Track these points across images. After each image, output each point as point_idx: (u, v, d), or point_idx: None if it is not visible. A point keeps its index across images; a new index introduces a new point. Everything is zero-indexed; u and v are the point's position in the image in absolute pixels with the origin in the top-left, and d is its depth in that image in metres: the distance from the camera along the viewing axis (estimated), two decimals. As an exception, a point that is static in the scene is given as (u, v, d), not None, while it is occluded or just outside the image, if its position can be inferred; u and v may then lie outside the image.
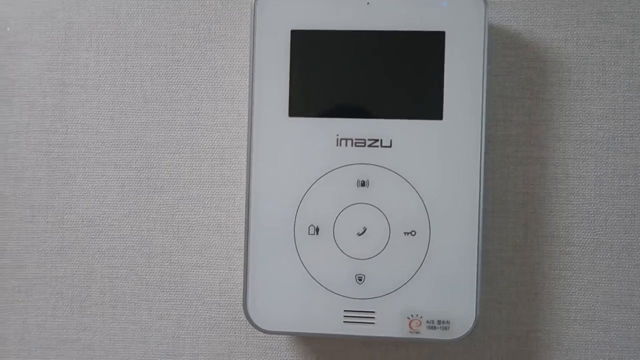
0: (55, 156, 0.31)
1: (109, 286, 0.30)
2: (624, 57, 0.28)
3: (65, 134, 0.31)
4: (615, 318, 0.28)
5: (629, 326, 0.28)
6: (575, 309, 0.28)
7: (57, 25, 0.31)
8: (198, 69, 0.30)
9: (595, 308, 0.28)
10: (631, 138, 0.28)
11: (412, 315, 0.27)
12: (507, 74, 0.29)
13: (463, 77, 0.27)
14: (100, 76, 0.31)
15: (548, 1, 0.29)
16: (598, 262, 0.28)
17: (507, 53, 0.29)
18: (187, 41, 0.30)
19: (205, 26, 0.30)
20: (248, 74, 0.28)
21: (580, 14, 0.28)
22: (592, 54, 0.28)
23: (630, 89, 0.28)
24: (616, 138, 0.28)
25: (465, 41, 0.27)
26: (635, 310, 0.28)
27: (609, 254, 0.28)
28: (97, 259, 0.30)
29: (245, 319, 0.28)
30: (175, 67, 0.30)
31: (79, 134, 0.31)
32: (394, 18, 0.27)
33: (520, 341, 0.29)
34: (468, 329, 0.26)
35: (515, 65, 0.29)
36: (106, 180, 0.31)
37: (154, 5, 0.30)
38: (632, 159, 0.28)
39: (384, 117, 0.27)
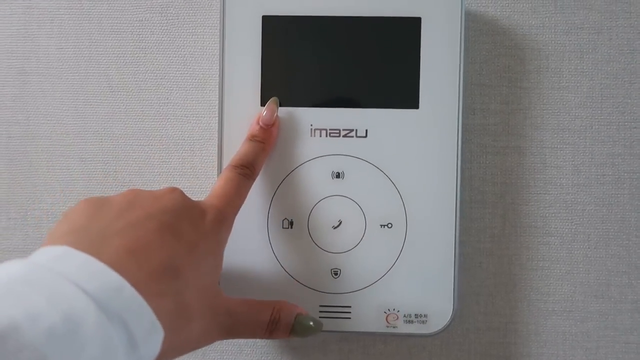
0: (17, 149, 0.29)
1: (76, 284, 0.29)
2: (602, 44, 0.28)
3: (27, 125, 0.29)
4: (592, 308, 0.28)
5: (606, 316, 0.28)
6: (553, 300, 0.28)
7: (16, 10, 0.29)
8: (167, 56, 0.29)
9: (573, 299, 0.28)
10: (608, 126, 0.28)
11: (388, 310, 0.26)
12: (485, 61, 0.28)
13: (439, 65, 0.26)
14: (62, 64, 0.29)
15: (526, -13, 0.28)
16: (575, 252, 0.28)
17: (485, 40, 0.28)
18: (154, 27, 0.29)
19: (173, 11, 0.29)
20: (218, 62, 0.27)
21: None
22: (570, 41, 0.28)
23: (607, 77, 0.28)
24: (593, 126, 0.28)
25: (441, 27, 0.26)
26: (612, 300, 0.28)
27: (586, 244, 0.28)
28: (63, 255, 0.29)
29: (218, 315, 0.27)
30: (143, 54, 0.29)
31: (42, 125, 0.29)
32: (369, 3, 0.26)
33: (499, 333, 0.28)
34: (446, 323, 0.26)
35: (492, 52, 0.28)
36: (71, 174, 0.29)
37: (119, -11, 0.29)
38: (609, 148, 0.28)
39: (359, 107, 0.26)
